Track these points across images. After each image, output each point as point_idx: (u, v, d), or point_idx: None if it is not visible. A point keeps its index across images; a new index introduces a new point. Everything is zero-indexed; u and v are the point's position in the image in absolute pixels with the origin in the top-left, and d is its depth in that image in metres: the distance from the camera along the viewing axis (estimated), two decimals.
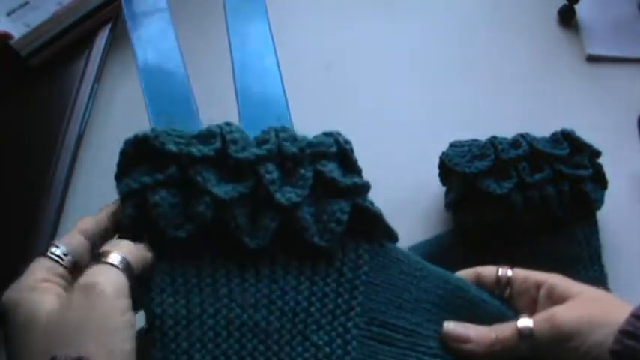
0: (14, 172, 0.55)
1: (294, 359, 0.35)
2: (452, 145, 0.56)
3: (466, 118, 0.64)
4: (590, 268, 0.53)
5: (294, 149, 0.37)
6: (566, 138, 0.54)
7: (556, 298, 0.38)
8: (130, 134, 0.61)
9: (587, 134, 0.55)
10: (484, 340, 0.37)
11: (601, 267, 0.54)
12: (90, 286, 0.30)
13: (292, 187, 0.36)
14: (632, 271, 0.57)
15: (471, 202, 0.53)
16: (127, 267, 0.32)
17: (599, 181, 0.55)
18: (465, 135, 0.57)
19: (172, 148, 0.35)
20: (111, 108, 0.62)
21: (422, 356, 0.37)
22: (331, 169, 0.37)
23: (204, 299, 0.35)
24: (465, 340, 0.38)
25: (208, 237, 0.36)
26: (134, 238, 0.35)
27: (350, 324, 0.36)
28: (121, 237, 0.36)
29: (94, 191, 0.58)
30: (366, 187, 0.39)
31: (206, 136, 0.36)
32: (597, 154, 0.55)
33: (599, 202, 0.55)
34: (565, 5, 0.72)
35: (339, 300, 0.36)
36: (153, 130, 0.37)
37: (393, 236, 0.40)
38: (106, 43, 0.62)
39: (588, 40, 0.71)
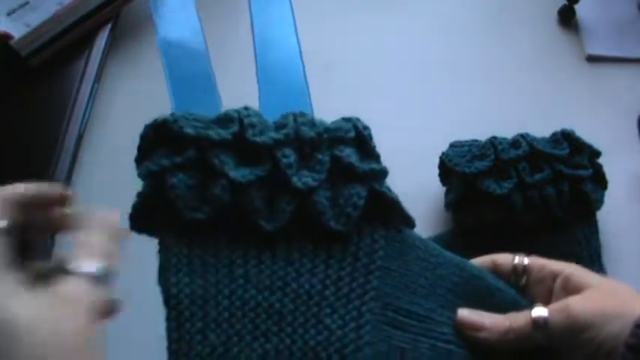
0: (14, 173, 0.55)
1: (308, 342, 0.35)
2: (452, 145, 0.56)
3: (466, 118, 0.64)
4: (590, 268, 0.53)
5: (311, 134, 0.37)
6: (566, 138, 0.54)
7: (571, 289, 0.38)
8: (130, 134, 0.61)
9: (587, 134, 0.55)
10: (498, 328, 0.37)
11: (601, 267, 0.54)
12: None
13: (309, 171, 0.36)
14: (632, 271, 0.57)
15: (471, 202, 0.53)
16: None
17: (599, 181, 0.55)
18: (465, 135, 0.57)
19: (190, 131, 0.35)
20: (111, 108, 0.62)
21: (435, 342, 0.37)
22: (348, 154, 0.37)
23: (220, 280, 0.35)
24: (479, 327, 0.37)
25: (225, 220, 0.36)
26: (144, 222, 0.36)
27: (364, 308, 0.36)
28: (131, 221, 0.37)
29: (94, 191, 0.58)
30: (383, 173, 0.39)
31: (224, 120, 0.36)
32: (597, 154, 0.55)
33: (599, 202, 0.55)
34: (565, 5, 0.72)
35: (354, 284, 0.36)
36: (172, 114, 0.37)
37: (409, 222, 0.40)
38: (106, 43, 0.62)
39: (588, 40, 0.71)
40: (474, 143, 0.55)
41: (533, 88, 0.67)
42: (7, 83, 0.59)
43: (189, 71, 0.43)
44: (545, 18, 0.72)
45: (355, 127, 0.38)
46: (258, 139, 0.36)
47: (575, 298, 0.37)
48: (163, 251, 0.37)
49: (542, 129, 0.56)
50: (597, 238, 0.55)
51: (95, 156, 0.59)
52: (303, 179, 0.36)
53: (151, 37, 0.67)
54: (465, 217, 0.55)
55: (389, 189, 0.39)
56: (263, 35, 0.44)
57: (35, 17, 0.59)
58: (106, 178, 0.59)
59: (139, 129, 0.61)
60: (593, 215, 0.56)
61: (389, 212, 0.39)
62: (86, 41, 0.62)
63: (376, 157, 0.39)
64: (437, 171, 0.57)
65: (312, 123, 0.37)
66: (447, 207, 0.56)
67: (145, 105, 0.63)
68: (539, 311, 0.36)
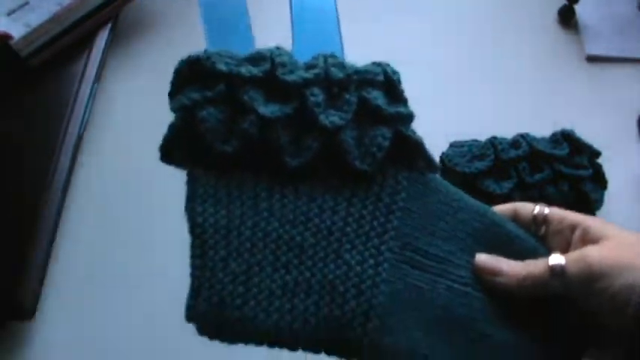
0: (14, 172, 0.55)
1: (326, 275, 0.36)
2: (452, 145, 0.56)
3: (466, 118, 0.64)
4: None
5: (340, 75, 0.37)
6: (566, 138, 0.54)
7: (589, 240, 0.38)
8: (130, 134, 0.61)
9: (587, 134, 0.55)
10: (516, 274, 0.37)
11: None
12: None
13: (336, 110, 0.37)
14: None
15: None
16: None
17: (599, 181, 0.55)
18: (465, 135, 0.57)
19: (222, 67, 0.36)
20: (111, 108, 0.62)
21: (452, 284, 0.37)
22: (376, 96, 0.38)
23: (244, 212, 0.36)
24: (497, 273, 0.38)
25: (252, 154, 0.37)
26: (174, 154, 0.38)
27: (383, 247, 0.37)
28: (162, 153, 0.38)
29: (94, 191, 0.58)
30: (409, 117, 0.39)
31: (256, 58, 0.37)
32: (597, 154, 0.55)
33: (599, 202, 0.55)
34: (565, 5, 0.72)
35: (375, 223, 0.37)
36: (205, 50, 0.38)
37: (433, 166, 0.40)
38: (106, 43, 0.62)
39: (588, 40, 0.71)
40: (473, 143, 0.55)
41: (534, 88, 0.67)
42: (7, 83, 0.59)
43: (225, 11, 0.45)
44: (545, 18, 0.72)
45: (384, 72, 0.39)
46: (288, 77, 0.36)
47: (593, 247, 0.37)
48: (191, 182, 0.37)
49: (542, 129, 0.56)
50: None
51: (95, 156, 0.59)
52: (330, 118, 0.36)
53: (151, 37, 0.67)
54: None
55: (414, 132, 0.39)
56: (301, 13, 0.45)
57: (35, 17, 0.59)
58: (106, 178, 0.59)
59: (139, 129, 0.61)
60: (593, 215, 0.56)
61: (413, 155, 0.39)
62: (86, 41, 0.62)
63: (404, 101, 0.40)
64: None
65: (342, 65, 0.38)
66: None
67: (145, 105, 0.63)
68: (557, 259, 0.36)
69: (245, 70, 0.37)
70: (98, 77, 0.61)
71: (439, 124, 0.64)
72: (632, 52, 0.70)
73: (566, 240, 0.39)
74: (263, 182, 0.37)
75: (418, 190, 0.39)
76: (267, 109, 0.36)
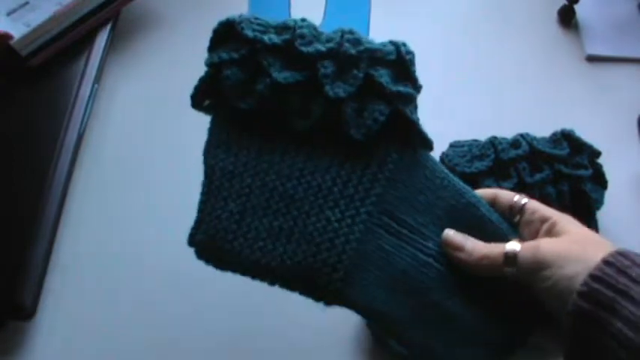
0: (14, 172, 0.55)
1: (307, 226, 0.40)
2: (452, 145, 0.56)
3: (466, 118, 0.64)
4: None
5: (352, 51, 0.41)
6: (566, 138, 0.54)
7: (553, 234, 0.40)
8: (130, 134, 0.61)
9: (587, 134, 0.55)
10: (476, 252, 0.40)
11: None
12: None
13: (343, 83, 0.41)
14: None
15: None
16: None
17: (599, 181, 0.55)
18: (464, 135, 0.57)
19: (249, 33, 0.41)
20: (111, 108, 0.62)
21: (417, 253, 0.41)
22: (381, 74, 0.41)
23: (248, 161, 0.41)
24: (460, 248, 0.41)
25: (264, 113, 0.41)
26: (201, 101, 0.43)
27: (362, 210, 0.41)
28: (192, 100, 0.43)
29: (94, 191, 0.58)
30: (409, 96, 0.42)
31: (282, 27, 0.41)
32: (597, 154, 0.55)
33: (599, 202, 0.55)
34: (565, 5, 0.72)
35: (360, 187, 0.41)
36: (240, 15, 0.42)
37: (427, 144, 0.43)
38: (106, 43, 0.62)
39: (588, 40, 0.71)
40: (473, 143, 0.55)
41: (533, 88, 0.67)
42: (7, 83, 0.59)
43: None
44: (545, 18, 0.72)
45: (397, 51, 0.42)
46: (304, 48, 0.40)
47: (548, 239, 0.39)
48: (212, 128, 0.43)
49: (542, 129, 0.56)
50: None
51: (95, 156, 0.59)
52: (335, 89, 0.40)
53: (151, 37, 0.67)
54: None
55: (412, 111, 0.42)
56: None
57: (35, 17, 0.59)
58: (106, 178, 0.59)
59: (139, 129, 0.61)
60: (593, 215, 0.55)
61: (408, 132, 0.42)
62: (86, 41, 0.62)
63: (413, 81, 0.43)
64: None
65: (358, 41, 0.41)
66: None
67: (145, 105, 0.63)
68: (513, 246, 0.39)
69: (267, 37, 0.41)
70: (98, 77, 0.61)
71: (439, 124, 0.63)
72: (632, 52, 0.70)
73: (535, 230, 0.41)
74: (269, 138, 0.42)
75: (407, 164, 0.42)
76: (280, 75, 0.40)
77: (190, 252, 0.56)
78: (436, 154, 0.56)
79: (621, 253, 0.36)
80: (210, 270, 0.55)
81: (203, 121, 0.54)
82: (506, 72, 0.68)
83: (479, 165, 0.52)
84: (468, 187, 0.43)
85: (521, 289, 0.39)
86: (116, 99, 0.63)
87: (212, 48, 0.43)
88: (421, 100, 0.64)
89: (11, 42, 0.57)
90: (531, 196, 0.51)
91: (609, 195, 0.56)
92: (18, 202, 0.54)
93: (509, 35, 0.71)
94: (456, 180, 0.43)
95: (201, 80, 0.43)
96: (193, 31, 0.68)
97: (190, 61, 0.66)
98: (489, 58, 0.69)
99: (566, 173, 0.53)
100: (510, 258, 0.39)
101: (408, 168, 0.42)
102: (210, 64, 0.42)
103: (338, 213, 0.40)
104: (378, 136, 0.41)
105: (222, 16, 0.70)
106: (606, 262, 0.35)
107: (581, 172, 0.53)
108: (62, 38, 0.60)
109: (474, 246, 0.41)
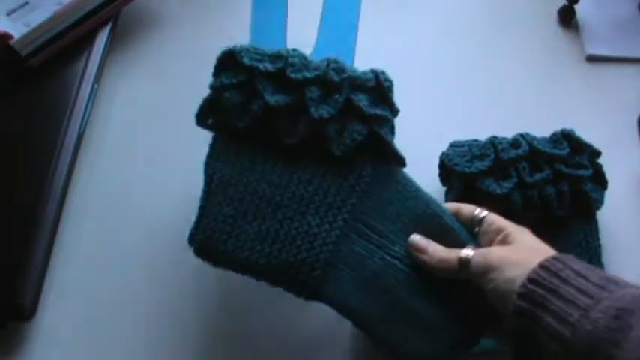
0: (14, 172, 0.55)
1: (290, 230, 0.46)
2: (452, 145, 0.56)
3: (466, 118, 0.64)
4: None
5: (336, 78, 0.47)
6: (566, 138, 0.54)
7: (505, 243, 0.45)
8: (130, 134, 0.61)
9: (587, 134, 0.55)
10: (436, 256, 0.45)
11: (601, 267, 0.54)
12: None
13: (327, 106, 0.47)
14: (632, 271, 0.57)
15: (471, 202, 0.53)
16: None
17: (599, 181, 0.55)
18: (464, 135, 0.57)
19: (247, 61, 0.47)
20: (111, 108, 0.62)
21: (385, 255, 0.46)
22: (360, 98, 0.47)
23: (242, 172, 0.48)
24: (423, 251, 0.46)
25: (258, 131, 0.48)
26: (205, 121, 0.49)
27: (339, 217, 0.47)
28: (197, 119, 0.49)
29: (94, 191, 0.58)
30: (385, 119, 0.48)
31: (275, 56, 0.48)
32: (597, 154, 0.55)
33: (599, 202, 0.55)
34: (565, 5, 0.72)
35: (338, 198, 0.47)
36: (240, 45, 0.48)
37: (400, 161, 0.49)
38: (106, 43, 0.62)
39: (588, 40, 0.71)
40: (473, 143, 0.55)
41: (533, 87, 0.67)
42: (7, 83, 0.59)
43: (269, 14, 0.57)
44: (545, 18, 0.72)
45: (377, 78, 0.48)
46: (293, 75, 0.47)
47: (498, 247, 0.44)
48: (213, 143, 0.49)
49: (542, 129, 0.56)
50: (597, 238, 0.55)
51: (95, 156, 0.59)
52: (320, 111, 0.46)
53: (151, 37, 0.67)
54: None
55: (387, 132, 0.48)
56: (330, 18, 0.58)
57: (35, 17, 0.59)
58: (106, 178, 0.59)
59: (139, 129, 0.61)
60: (593, 215, 0.56)
61: (383, 150, 0.48)
62: (86, 41, 0.62)
63: (390, 105, 0.49)
64: (437, 171, 0.57)
65: (341, 69, 0.48)
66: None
67: (145, 105, 0.63)
68: (467, 251, 0.44)
69: (262, 65, 0.47)
70: (98, 77, 0.61)
71: (439, 124, 0.64)
72: (632, 52, 0.70)
73: (491, 240, 0.46)
74: (261, 152, 0.48)
75: (380, 178, 0.48)
76: (272, 98, 0.46)
77: (190, 253, 0.56)
78: (436, 153, 0.57)
79: (556, 258, 0.40)
80: (210, 270, 0.55)
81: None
82: (506, 72, 0.68)
83: (479, 165, 0.52)
84: (434, 200, 0.48)
85: (477, 292, 0.43)
86: (116, 99, 0.63)
87: (216, 73, 0.49)
88: (421, 100, 0.65)
89: (11, 42, 0.57)
90: (531, 196, 0.51)
91: (609, 195, 0.56)
92: (18, 202, 0.54)
93: (509, 35, 0.71)
94: (424, 193, 0.49)
95: (205, 101, 0.49)
96: (193, 31, 0.68)
97: (190, 61, 0.66)
98: (489, 58, 0.69)
99: (566, 173, 0.53)
100: (464, 262, 0.44)
101: (382, 181, 0.48)
102: (213, 87, 0.48)
103: (318, 219, 0.46)
104: (356, 152, 0.47)
105: (222, 16, 0.71)
106: (542, 265, 0.39)
107: (582, 172, 0.53)
108: (62, 38, 0.60)
109: (434, 250, 0.46)
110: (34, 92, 0.59)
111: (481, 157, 0.53)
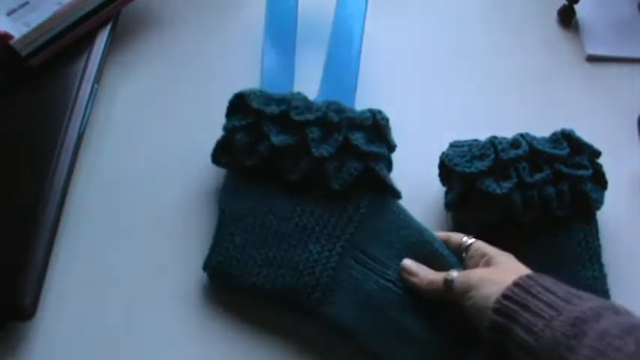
0: (14, 172, 0.55)
1: (294, 257, 0.51)
2: (452, 145, 0.56)
3: (466, 118, 0.64)
4: (589, 267, 0.53)
5: (335, 119, 0.52)
6: (566, 138, 0.54)
7: (488, 266, 0.48)
8: (130, 134, 0.61)
9: (587, 134, 0.55)
10: (425, 278, 0.49)
11: (601, 266, 0.54)
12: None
13: (327, 145, 0.52)
14: (632, 271, 0.57)
15: (471, 202, 0.53)
16: None
17: (599, 181, 0.55)
18: (465, 135, 0.57)
19: (255, 105, 0.52)
20: (111, 108, 0.62)
21: (379, 279, 0.50)
22: (357, 137, 0.52)
23: (253, 206, 0.53)
24: (414, 274, 0.50)
25: (265, 168, 0.53)
26: (220, 160, 0.54)
27: (338, 244, 0.51)
28: (212, 158, 0.54)
29: (94, 191, 0.58)
30: (380, 155, 0.53)
31: (280, 100, 0.53)
32: (597, 154, 0.55)
33: (599, 202, 0.55)
34: (565, 5, 0.72)
35: (337, 227, 0.52)
36: (250, 89, 0.53)
37: (395, 194, 0.53)
38: (106, 43, 0.62)
39: (588, 40, 0.71)
40: (473, 143, 0.55)
41: (533, 87, 0.67)
42: (7, 83, 0.59)
43: (279, 57, 0.61)
44: (545, 18, 0.72)
45: (374, 117, 0.53)
46: (296, 117, 0.52)
47: (479, 269, 0.48)
48: (226, 179, 0.55)
49: (542, 129, 0.56)
50: (597, 238, 0.55)
51: (95, 156, 0.59)
52: (320, 150, 0.51)
53: (151, 37, 0.67)
54: (464, 217, 0.55)
55: (382, 168, 0.53)
56: (338, 29, 0.62)
57: (35, 17, 0.59)
58: (106, 178, 0.59)
59: (139, 129, 0.61)
60: (593, 215, 0.55)
61: (378, 184, 0.53)
62: (86, 41, 0.62)
63: (387, 142, 0.54)
64: (437, 171, 0.57)
65: (340, 110, 0.53)
66: (447, 207, 0.56)
67: (145, 105, 0.63)
68: (451, 274, 0.47)
69: (268, 109, 0.52)
70: (98, 77, 0.61)
71: (439, 124, 0.64)
72: (632, 52, 0.70)
73: (476, 264, 0.49)
74: (268, 188, 0.53)
75: (376, 209, 0.52)
76: (277, 139, 0.52)
77: (187, 254, 0.56)
78: (436, 153, 0.57)
79: (530, 277, 0.43)
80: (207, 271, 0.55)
81: (202, 121, 0.56)
82: (506, 72, 0.68)
83: (479, 165, 0.52)
84: (425, 228, 0.52)
85: (462, 313, 0.46)
86: (116, 99, 0.63)
87: (228, 115, 0.54)
88: (421, 100, 0.65)
89: (11, 42, 0.57)
90: (531, 196, 0.52)
91: (609, 195, 0.56)
92: (18, 202, 0.54)
93: (509, 35, 0.71)
94: (416, 222, 0.53)
95: (219, 142, 0.54)
96: (194, 31, 0.68)
97: (190, 61, 0.66)
98: (489, 58, 0.69)
99: (566, 173, 0.53)
100: (449, 283, 0.47)
101: (377, 212, 0.52)
102: (226, 129, 0.53)
103: (319, 247, 0.51)
104: (354, 186, 0.52)
105: (222, 16, 0.71)
106: (516, 283, 0.43)
107: (582, 172, 0.53)
108: (62, 38, 0.60)
109: (425, 273, 0.49)
110: (34, 92, 0.59)
111: (481, 157, 0.53)
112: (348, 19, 0.62)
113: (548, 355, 0.38)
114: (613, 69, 0.69)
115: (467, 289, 0.45)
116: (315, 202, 0.52)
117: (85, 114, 0.58)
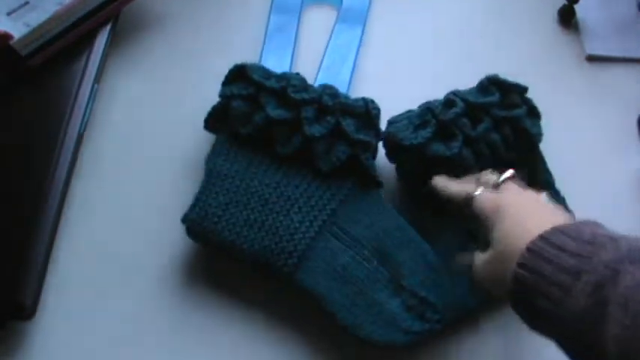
0: (14, 172, 0.55)
1: (275, 222, 0.53)
2: (391, 122, 0.56)
3: None
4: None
5: (330, 102, 0.54)
6: (492, 83, 0.55)
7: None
8: (130, 134, 0.61)
9: (587, 134, 0.55)
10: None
11: (556, 192, 0.55)
12: None
13: (319, 125, 0.53)
14: None
15: (425, 169, 0.53)
16: None
17: (533, 113, 0.56)
18: None
19: (255, 77, 0.54)
20: (111, 108, 0.62)
21: (354, 255, 0.52)
22: (348, 123, 0.53)
23: (239, 169, 0.54)
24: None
25: (258, 138, 0.54)
26: (213, 125, 0.57)
27: (319, 218, 0.53)
28: (205, 122, 0.56)
29: (94, 191, 0.58)
30: (368, 143, 0.54)
31: (280, 77, 0.55)
32: (525, 89, 0.56)
33: (539, 135, 0.55)
34: (565, 5, 0.72)
35: (320, 201, 0.54)
36: (251, 63, 0.56)
37: (377, 183, 0.55)
38: (106, 43, 0.62)
39: (588, 40, 0.71)
40: (409, 114, 0.56)
41: (533, 87, 0.67)
42: (7, 83, 0.59)
43: (281, 39, 0.65)
44: (545, 18, 0.72)
45: (366, 106, 0.55)
46: (293, 95, 0.53)
47: (507, 195, 0.46)
48: (216, 142, 0.56)
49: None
50: (546, 169, 0.57)
51: (95, 156, 0.59)
52: (312, 130, 0.53)
53: (151, 37, 0.67)
54: (423, 187, 0.54)
55: (368, 157, 0.54)
56: (331, 56, 0.66)
57: (35, 17, 0.59)
58: (106, 178, 0.59)
59: (139, 128, 0.61)
60: (537, 149, 0.56)
61: (361, 171, 0.54)
62: (86, 41, 0.62)
63: (376, 131, 0.55)
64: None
65: (335, 95, 0.54)
66: (405, 182, 0.57)
67: (145, 105, 0.63)
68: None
69: (268, 83, 0.54)
70: (98, 77, 0.61)
71: None
72: (632, 52, 0.70)
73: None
74: (258, 156, 0.55)
75: (358, 192, 0.54)
76: (273, 112, 0.53)
77: (191, 251, 0.56)
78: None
79: (542, 237, 0.40)
80: (209, 271, 0.55)
81: (202, 121, 0.56)
82: (506, 72, 0.68)
83: (424, 133, 0.53)
84: (399, 216, 0.54)
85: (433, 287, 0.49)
86: (116, 99, 0.63)
87: (226, 82, 0.55)
88: (421, 100, 0.65)
89: (11, 42, 0.57)
90: (480, 149, 0.53)
91: (609, 195, 0.56)
92: (18, 202, 0.54)
93: (509, 35, 0.71)
94: (393, 211, 0.54)
95: (214, 108, 0.56)
96: (193, 31, 0.68)
97: (190, 61, 0.66)
98: (489, 58, 0.69)
99: (504, 117, 0.54)
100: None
101: (359, 195, 0.54)
102: (223, 95, 0.55)
103: (300, 217, 0.53)
104: (339, 168, 0.54)
105: (222, 16, 0.71)
106: (529, 249, 0.40)
107: (517, 111, 0.54)
108: (62, 38, 0.60)
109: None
110: (34, 92, 0.59)
111: (423, 125, 0.54)
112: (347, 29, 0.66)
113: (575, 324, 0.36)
114: (613, 69, 0.69)
115: (484, 215, 0.45)
116: (301, 177, 0.54)
117: (85, 114, 0.58)
